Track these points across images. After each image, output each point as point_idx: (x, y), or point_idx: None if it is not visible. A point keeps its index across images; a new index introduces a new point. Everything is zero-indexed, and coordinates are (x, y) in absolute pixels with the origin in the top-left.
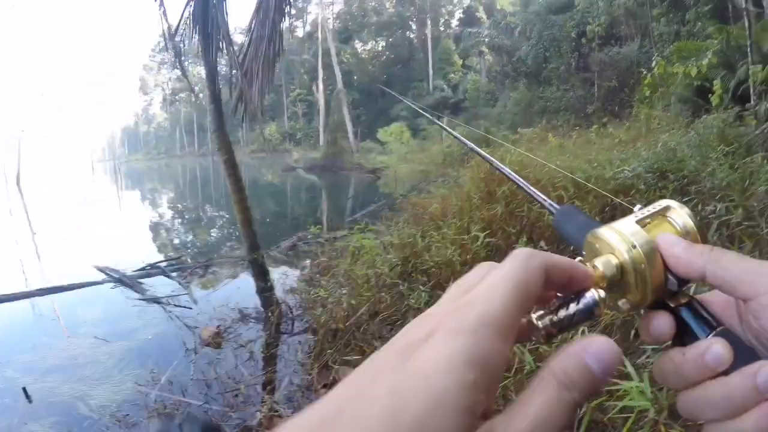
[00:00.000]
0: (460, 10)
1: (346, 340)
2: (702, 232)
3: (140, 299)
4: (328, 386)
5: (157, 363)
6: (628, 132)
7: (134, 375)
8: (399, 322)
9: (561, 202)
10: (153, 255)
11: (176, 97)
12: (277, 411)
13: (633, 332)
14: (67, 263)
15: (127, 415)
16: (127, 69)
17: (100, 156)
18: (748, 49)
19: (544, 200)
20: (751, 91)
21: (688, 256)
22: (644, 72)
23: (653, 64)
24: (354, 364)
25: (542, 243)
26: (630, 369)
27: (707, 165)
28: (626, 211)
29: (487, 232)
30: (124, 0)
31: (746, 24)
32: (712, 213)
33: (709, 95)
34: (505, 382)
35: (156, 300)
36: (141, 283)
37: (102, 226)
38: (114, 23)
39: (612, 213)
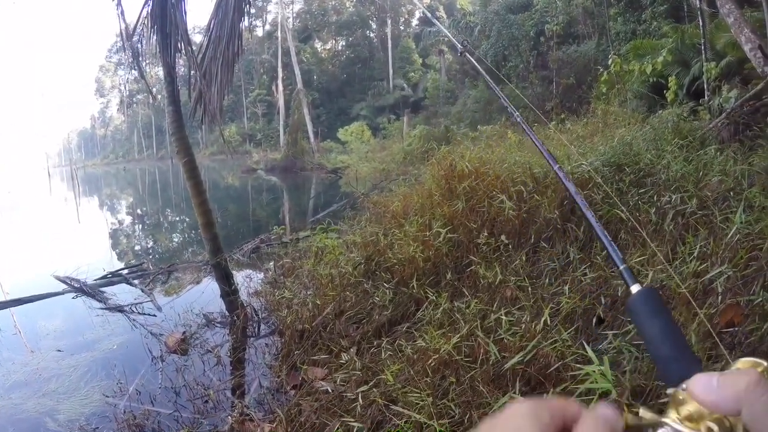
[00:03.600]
0: (420, 10)
1: (313, 341)
2: None
3: (103, 308)
4: (298, 387)
5: (123, 373)
6: (585, 127)
7: (101, 386)
8: (365, 320)
9: (521, 197)
10: (114, 262)
11: (134, 99)
12: (248, 415)
13: (594, 319)
14: (26, 274)
15: (97, 428)
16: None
17: (56, 161)
18: (702, 47)
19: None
20: (705, 86)
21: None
22: (601, 69)
23: (610, 61)
24: (322, 364)
25: (503, 237)
26: (591, 354)
27: (662, 158)
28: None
29: (449, 228)
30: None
31: (700, 23)
32: (668, 203)
33: (664, 91)
34: (472, 372)
35: (119, 309)
36: (103, 292)
37: (60, 234)
38: (112, 23)
39: (571, 206)
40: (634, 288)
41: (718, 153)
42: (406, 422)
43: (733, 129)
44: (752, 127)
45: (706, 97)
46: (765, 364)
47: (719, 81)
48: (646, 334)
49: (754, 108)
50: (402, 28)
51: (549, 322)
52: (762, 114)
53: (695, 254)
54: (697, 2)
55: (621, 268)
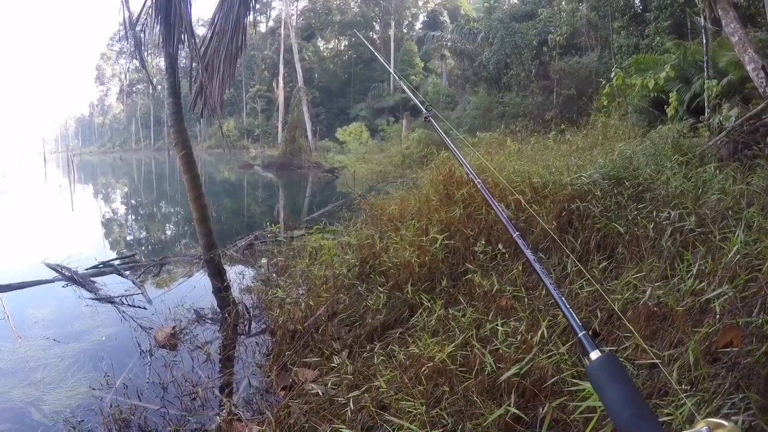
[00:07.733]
0: (425, 13)
1: (304, 342)
2: None
3: (93, 299)
4: (288, 389)
5: (111, 366)
6: (585, 139)
7: (88, 378)
8: (357, 323)
9: (519, 207)
10: (106, 252)
11: (133, 88)
12: (236, 414)
13: (590, 332)
14: (16, 260)
15: (82, 421)
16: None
17: (53, 147)
18: (705, 65)
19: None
20: (706, 104)
21: None
22: (603, 82)
23: (612, 74)
24: (313, 366)
25: (500, 246)
26: None
27: (662, 173)
28: (582, 217)
29: (446, 234)
30: None
31: (704, 41)
32: (667, 219)
33: (665, 107)
34: (467, 383)
35: (109, 300)
36: (94, 282)
37: (53, 221)
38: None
39: (569, 217)
40: (594, 354)
41: (717, 171)
42: (398, 430)
43: (732, 147)
44: (751, 146)
45: (706, 115)
46: (726, 425)
47: (720, 99)
48: (605, 400)
49: (754, 127)
50: (405, 31)
51: (546, 334)
52: (762, 134)
53: (693, 272)
54: (701, 20)
55: (580, 335)
